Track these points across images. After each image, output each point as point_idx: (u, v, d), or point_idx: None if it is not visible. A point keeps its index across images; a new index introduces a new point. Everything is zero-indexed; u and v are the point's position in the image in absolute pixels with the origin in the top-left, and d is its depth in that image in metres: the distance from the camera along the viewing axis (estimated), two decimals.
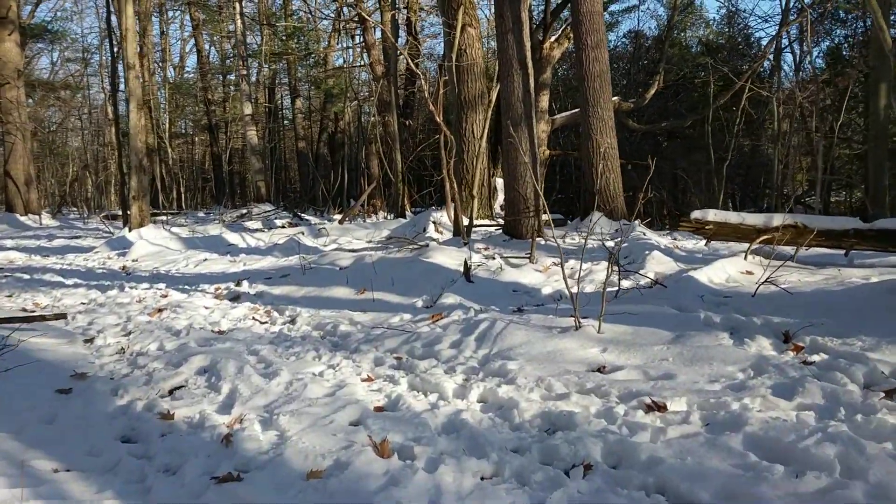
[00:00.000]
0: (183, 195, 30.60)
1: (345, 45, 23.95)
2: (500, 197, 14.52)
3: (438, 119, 7.67)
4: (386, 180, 16.32)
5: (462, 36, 10.35)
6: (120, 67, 14.86)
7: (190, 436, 3.00)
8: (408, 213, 13.19)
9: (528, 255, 6.35)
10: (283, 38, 27.31)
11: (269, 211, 18.32)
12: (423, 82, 7.81)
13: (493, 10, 12.69)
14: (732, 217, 6.72)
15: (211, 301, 6.15)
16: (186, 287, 7.02)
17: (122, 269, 9.04)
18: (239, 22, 20.21)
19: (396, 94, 11.53)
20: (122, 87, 14.65)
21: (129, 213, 12.89)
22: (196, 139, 38.32)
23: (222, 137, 33.76)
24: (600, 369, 3.60)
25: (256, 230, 13.68)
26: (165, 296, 6.51)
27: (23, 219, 18.34)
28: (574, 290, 4.22)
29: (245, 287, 6.62)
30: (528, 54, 7.24)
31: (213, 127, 32.09)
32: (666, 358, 3.63)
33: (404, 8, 22.91)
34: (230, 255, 9.30)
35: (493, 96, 8.24)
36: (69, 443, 2.93)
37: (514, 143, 7.18)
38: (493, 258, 6.51)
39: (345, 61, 28.18)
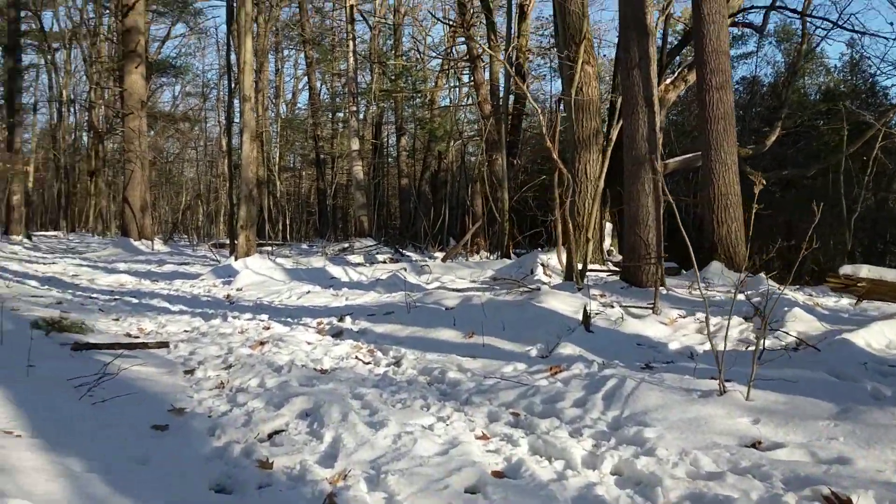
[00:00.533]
0: (288, 227, 31.30)
1: (452, 84, 24.01)
2: (608, 241, 13.97)
3: (555, 156, 7.30)
4: (488, 219, 16.05)
5: (580, 73, 10.00)
6: (236, 100, 15.28)
7: (290, 490, 2.69)
8: (512, 254, 12.83)
9: (651, 306, 5.84)
10: (392, 77, 27.78)
11: (370, 246, 18.34)
12: (541, 117, 7.43)
13: (606, 47, 12.27)
14: (890, 275, 6.01)
15: (313, 336, 5.93)
16: (289, 320, 6.85)
17: (226, 298, 9.03)
18: (351, 60, 20.59)
19: (505, 133, 11.26)
20: (237, 119, 15.04)
21: (236, 242, 13.07)
22: (303, 173, 39.37)
23: (328, 172, 34.50)
24: (755, 445, 3.09)
25: (358, 264, 13.61)
26: (268, 328, 6.34)
27: (136, 243, 19.04)
28: (719, 347, 3.72)
29: (348, 323, 6.38)
30: (655, 92, 6.81)
31: (320, 162, 32.85)
32: (835, 436, 3.08)
33: (513, 49, 22.88)
34: (333, 289, 9.15)
35: (614, 135, 7.82)
36: (160, 489, 2.67)
37: (637, 184, 6.72)
38: (612, 306, 6.03)
39: (451, 101, 28.36)
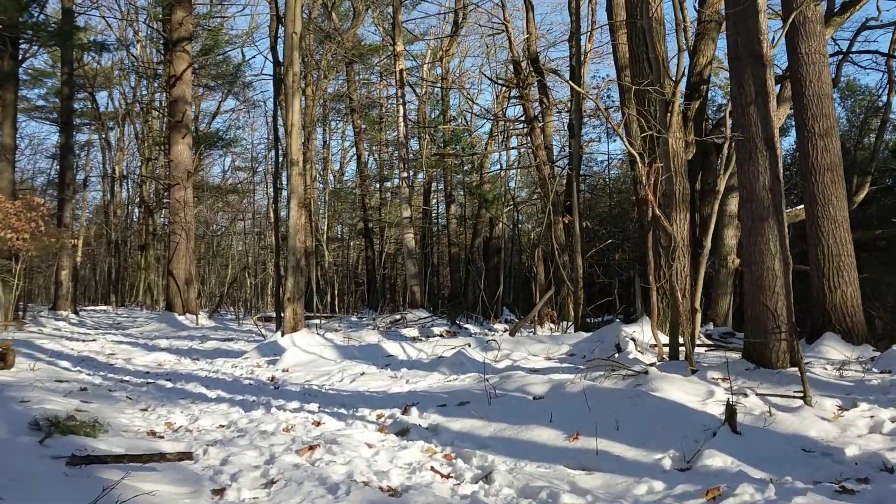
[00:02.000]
0: (336, 299, 30.48)
1: (505, 147, 23.22)
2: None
3: (657, 212, 6.19)
4: (551, 288, 14.87)
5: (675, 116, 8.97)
6: (284, 171, 14.61)
7: None
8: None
9: (799, 394, 4.60)
10: (442, 143, 27.18)
11: (424, 318, 17.26)
12: (640, 167, 6.33)
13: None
14: None
15: (374, 435, 4.80)
16: (343, 411, 5.75)
17: (270, 381, 7.98)
18: (402, 125, 19.97)
19: (577, 192, 10.21)
20: (285, 188, 14.34)
21: (282, 315, 12.12)
22: (351, 243, 38.82)
23: (376, 242, 33.82)
24: None
25: (415, 339, 12.50)
26: (318, 423, 5.24)
27: (180, 318, 18.27)
28: None
29: (415, 416, 5.25)
30: (777, 132, 5.70)
31: (368, 231, 32.20)
32: None
33: (566, 112, 22.09)
34: (390, 369, 8.04)
35: (722, 186, 6.70)
36: None
37: (759, 243, 5.56)
38: (745, 394, 4.80)
39: (501, 166, 27.57)
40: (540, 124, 17.01)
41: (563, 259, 15.15)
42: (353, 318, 21.66)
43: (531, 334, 10.75)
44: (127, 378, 8.58)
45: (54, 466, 3.43)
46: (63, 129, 28.25)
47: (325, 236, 30.29)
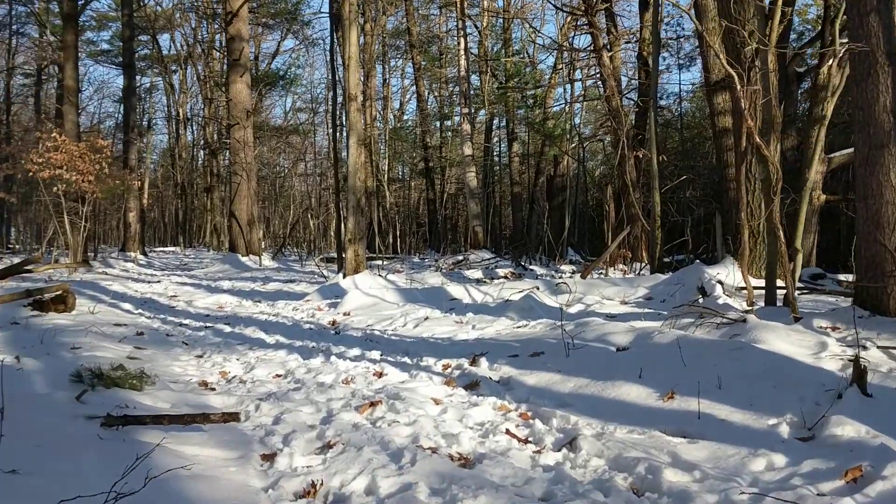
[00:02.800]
0: (398, 240, 30.25)
1: (571, 78, 22.17)
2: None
3: (757, 140, 5.47)
4: (622, 227, 14.15)
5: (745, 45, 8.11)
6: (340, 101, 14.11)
7: None
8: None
9: None
10: (504, 78, 26.21)
11: (488, 259, 16.79)
12: (739, 89, 5.53)
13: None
14: None
15: (440, 389, 4.37)
16: (406, 360, 5.34)
17: (331, 325, 7.65)
18: (463, 60, 19.18)
19: (656, 124, 9.44)
20: (343, 123, 13.86)
21: (343, 256, 11.81)
22: (412, 183, 38.39)
23: (437, 182, 33.29)
24: None
25: (479, 281, 12.06)
26: (380, 374, 4.83)
27: (244, 259, 18.23)
28: None
29: (484, 368, 4.79)
30: None
31: (429, 171, 31.66)
32: None
33: (635, 41, 20.88)
34: (455, 314, 7.60)
35: (829, 110, 5.90)
36: None
37: (878, 174, 4.83)
38: (865, 347, 4.17)
39: (565, 101, 26.45)
40: (609, 53, 16.03)
41: (636, 196, 14.38)
42: (416, 260, 21.36)
43: (603, 276, 10.16)
44: (186, 321, 8.39)
45: (87, 428, 3.09)
46: (125, 71, 28.32)
47: (385, 176, 29.90)
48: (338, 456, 3.11)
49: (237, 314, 9.03)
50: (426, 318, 7.32)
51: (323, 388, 4.45)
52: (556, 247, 14.83)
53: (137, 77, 43.45)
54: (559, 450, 3.21)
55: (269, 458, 3.13)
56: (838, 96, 7.33)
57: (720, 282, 6.96)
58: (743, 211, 6.55)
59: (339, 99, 15.82)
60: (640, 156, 10.73)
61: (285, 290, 12.00)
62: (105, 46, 40.90)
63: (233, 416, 3.43)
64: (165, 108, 46.20)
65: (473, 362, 4.92)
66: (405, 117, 39.44)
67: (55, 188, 16.52)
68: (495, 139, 32.92)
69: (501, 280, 12.37)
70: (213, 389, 4.57)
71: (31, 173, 17.02)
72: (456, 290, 8.90)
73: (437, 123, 34.64)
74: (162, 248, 38.81)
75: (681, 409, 3.55)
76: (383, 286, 10.75)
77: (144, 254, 27.95)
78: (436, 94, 35.57)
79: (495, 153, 33.62)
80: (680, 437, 3.22)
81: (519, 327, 6.54)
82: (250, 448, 3.24)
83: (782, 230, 5.32)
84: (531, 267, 13.94)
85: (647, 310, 7.06)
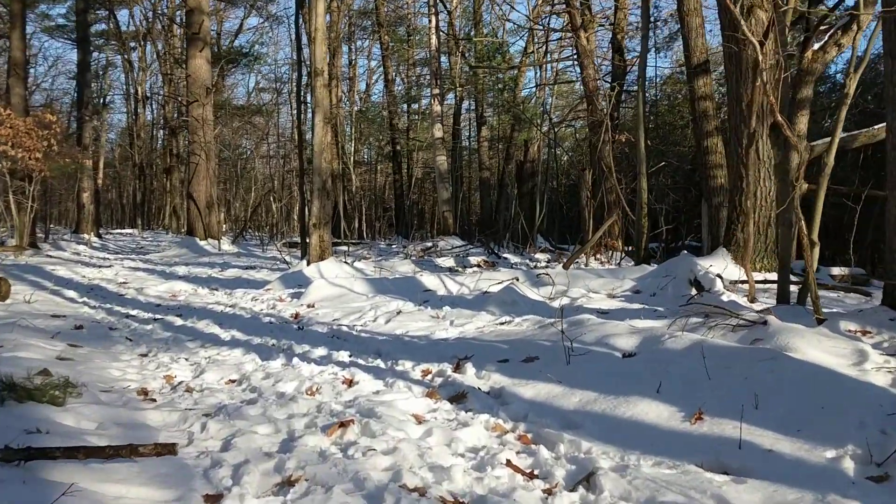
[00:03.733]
0: (364, 224, 29.51)
1: (544, 60, 21.54)
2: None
3: (779, 118, 4.90)
4: (598, 214, 13.65)
5: (749, 19, 7.61)
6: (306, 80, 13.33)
7: None
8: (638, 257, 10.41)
9: None
10: (474, 60, 25.50)
11: (458, 246, 16.17)
12: (762, 61, 4.94)
13: None
14: None
15: (421, 402, 3.74)
16: (379, 363, 4.70)
17: (294, 319, 6.97)
18: (433, 38, 18.45)
19: (644, 105, 8.88)
20: (308, 100, 13.09)
21: (308, 242, 11.09)
22: (378, 167, 37.57)
23: (404, 166, 32.55)
24: None
25: (451, 270, 11.44)
26: (351, 382, 4.19)
27: (202, 243, 17.38)
28: None
29: (470, 375, 4.18)
30: None
31: (397, 154, 30.91)
32: None
33: (610, 25, 20.35)
34: (430, 307, 6.97)
35: (852, 87, 5.36)
36: None
37: None
38: None
39: (537, 84, 25.82)
40: (586, 34, 15.46)
41: (611, 183, 13.87)
42: (382, 245, 20.67)
43: (583, 267, 9.61)
44: (134, 312, 7.64)
45: None
46: (79, 46, 26.96)
47: (351, 159, 29.07)
48: (301, 499, 2.47)
49: (191, 304, 8.30)
50: (399, 312, 6.68)
51: (283, 399, 3.79)
52: (529, 234, 14.27)
53: (95, 53, 41.91)
54: (574, 489, 2.60)
55: (215, 499, 2.48)
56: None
57: (719, 275, 6.44)
58: (749, 198, 6.02)
59: (305, 77, 15.10)
60: (624, 139, 10.18)
61: (245, 278, 11.26)
62: (61, 21, 39.24)
63: (168, 448, 2.76)
64: (124, 87, 44.67)
65: (458, 368, 4.30)
66: (372, 99, 38.55)
67: None
68: (464, 123, 32.27)
69: (475, 269, 11.78)
70: (154, 400, 3.89)
71: None
72: (429, 280, 8.26)
73: (405, 106, 33.89)
74: (119, 231, 37.50)
75: (714, 434, 2.97)
76: (350, 275, 10.07)
77: (99, 236, 26.80)
78: (403, 76, 34.75)
79: (464, 137, 32.99)
80: (722, 475, 2.64)
81: (503, 324, 5.93)
82: (191, 486, 2.59)
83: (809, 222, 4.81)
84: (504, 255, 13.37)
85: (639, 305, 6.51)
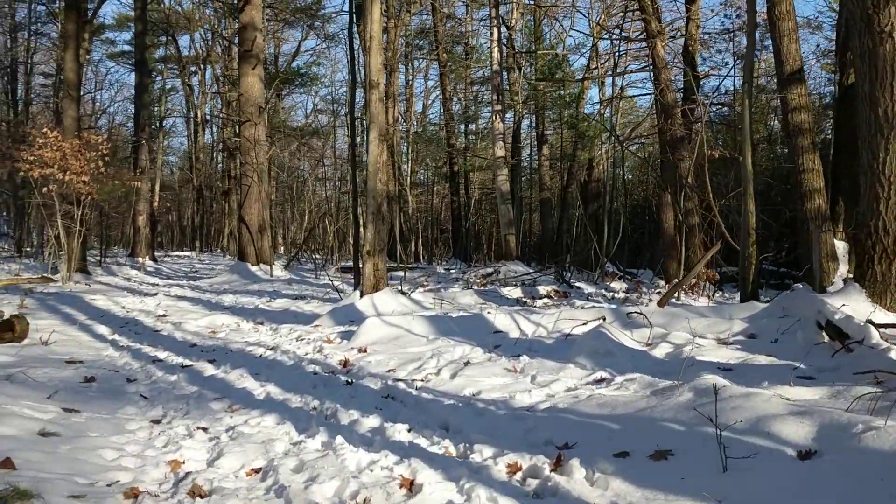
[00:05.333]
0: (421, 247, 28.55)
1: (613, 71, 20.31)
2: (842, 268, 10.01)
3: None
4: (679, 240, 12.31)
5: (888, 8, 6.33)
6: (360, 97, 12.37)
7: None
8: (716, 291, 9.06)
9: None
10: (533, 78, 24.41)
11: (521, 273, 14.97)
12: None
13: None
14: None
15: None
16: (448, 446, 3.56)
17: (342, 367, 5.90)
18: (496, 52, 17.40)
19: (751, 113, 7.61)
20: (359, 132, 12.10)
21: (361, 270, 10.07)
22: (435, 188, 36.66)
23: (461, 187, 31.54)
24: None
25: (519, 302, 10.27)
26: (410, 484, 3.05)
27: (253, 269, 16.58)
28: None
29: (578, 479, 2.99)
30: None
31: (454, 175, 29.92)
32: None
33: (681, 36, 19.03)
34: (504, 355, 5.80)
35: None
36: None
37: None
38: None
39: (601, 101, 24.49)
40: (663, 43, 14.20)
41: (696, 204, 12.56)
42: (440, 270, 19.61)
43: (677, 302, 8.31)
44: (163, 355, 6.68)
45: None
46: (137, 68, 26.83)
47: (408, 180, 28.17)
48: None
49: (229, 344, 7.32)
50: (466, 363, 5.53)
51: None
52: (602, 259, 12.99)
53: (157, 78, 42.34)
54: None
55: None
56: None
57: (870, 321, 5.12)
58: (892, 222, 4.74)
59: (360, 92, 14.27)
60: (717, 155, 8.88)
61: (293, 310, 10.28)
62: (126, 48, 39.69)
63: None
64: (184, 110, 45.00)
65: (558, 464, 3.12)
66: (428, 119, 37.76)
67: (45, 189, 14.97)
68: (524, 142, 31.09)
69: (545, 300, 10.59)
70: (156, 494, 2.83)
71: (21, 172, 15.52)
72: (499, 319, 7.09)
73: (462, 126, 32.97)
74: (178, 253, 37.43)
75: None
76: (407, 309, 8.99)
77: (154, 259, 26.47)
78: (460, 95, 33.81)
79: (524, 157, 31.82)
80: None
81: (600, 383, 4.74)
82: None
83: None
84: (576, 284, 12.13)
85: (766, 357, 5.23)
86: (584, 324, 6.65)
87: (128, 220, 36.28)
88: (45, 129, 14.90)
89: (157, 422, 4.32)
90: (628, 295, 11.12)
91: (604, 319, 6.87)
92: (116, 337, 7.90)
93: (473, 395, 4.69)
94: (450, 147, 29.29)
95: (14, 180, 26.02)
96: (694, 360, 5.20)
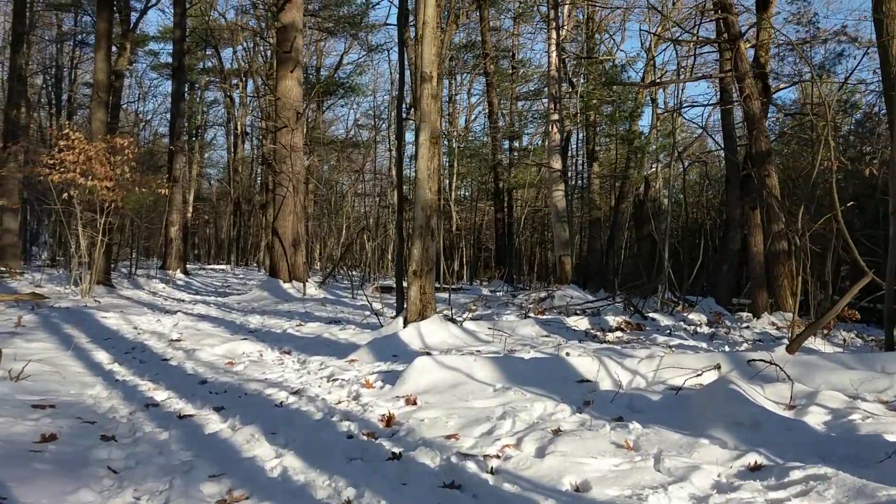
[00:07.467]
0: (465, 267, 27.14)
1: (685, 77, 18.74)
2: None
3: None
4: (765, 266, 10.69)
5: None
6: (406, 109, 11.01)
7: None
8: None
9: None
10: (585, 92, 22.93)
11: (579, 299, 13.43)
12: None
13: None
14: None
15: None
16: None
17: (384, 425, 4.48)
18: (553, 56, 15.98)
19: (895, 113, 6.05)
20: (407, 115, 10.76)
21: (406, 292, 8.67)
22: (477, 206, 35.22)
23: (505, 205, 30.09)
24: None
25: (588, 335, 8.75)
26: None
27: (285, 286, 15.29)
28: None
29: None
30: None
31: (499, 191, 28.52)
32: None
33: (750, 46, 17.44)
34: (602, 417, 4.32)
35: None
36: None
37: None
38: None
39: (656, 117, 22.85)
40: (748, 45, 12.68)
41: (777, 226, 10.94)
42: (486, 292, 18.15)
43: (804, 349, 6.70)
44: (162, 397, 5.32)
45: None
46: (174, 76, 25.97)
47: (452, 196, 26.80)
48: None
49: (246, 382, 5.93)
50: (557, 432, 4.05)
51: None
52: (680, 286, 11.40)
53: (198, 90, 41.84)
54: None
55: None
56: None
57: None
58: None
59: (405, 65, 12.90)
60: (837, 166, 7.31)
61: (325, 338, 8.89)
62: (169, 60, 39.31)
63: None
64: (225, 122, 44.46)
65: None
66: (472, 134, 36.42)
67: (64, 195, 13.88)
68: (573, 159, 29.57)
69: (617, 333, 9.06)
70: None
71: (41, 177, 14.46)
72: (582, 362, 5.60)
73: (506, 143, 31.55)
74: (213, 266, 36.53)
75: None
76: (460, 341, 7.56)
77: (186, 272, 25.44)
78: (504, 112, 32.41)
79: (572, 174, 30.31)
80: None
81: (757, 474, 3.24)
82: None
83: None
84: (649, 314, 10.57)
85: None
86: (698, 374, 5.14)
87: (159, 230, 35.56)
88: (66, 131, 13.82)
89: None
90: (714, 329, 9.54)
91: (718, 368, 5.35)
92: (114, 367, 6.59)
93: (578, 489, 3.22)
94: (496, 162, 27.93)
95: (49, 187, 25.34)
96: (880, 438, 3.67)
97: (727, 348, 7.68)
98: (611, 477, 3.34)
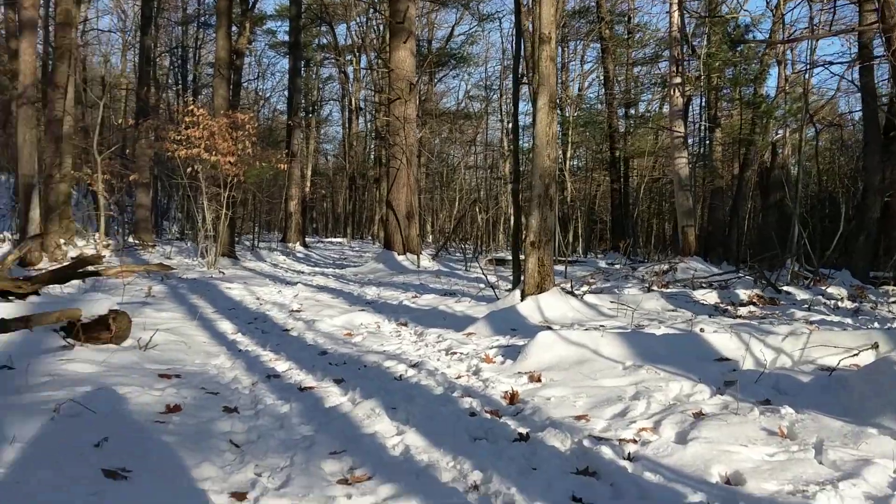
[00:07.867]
0: (581, 238, 26.53)
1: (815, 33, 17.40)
2: None
3: None
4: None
5: None
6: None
7: None
8: None
9: None
10: (707, 56, 21.64)
11: (705, 272, 12.75)
12: None
13: None
14: None
15: None
16: None
17: (508, 402, 4.26)
18: (675, 14, 15.13)
19: None
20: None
21: (523, 264, 8.39)
22: (592, 176, 34.31)
23: (622, 175, 29.14)
24: None
25: (717, 308, 8.21)
26: None
27: (400, 258, 15.34)
28: None
29: None
30: None
31: (615, 160, 27.64)
32: None
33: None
34: (748, 400, 3.92)
35: None
36: None
37: None
38: None
39: (783, 70, 21.31)
40: None
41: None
42: (602, 264, 17.61)
43: None
44: (283, 368, 5.32)
45: None
46: (291, 52, 26.52)
47: (567, 165, 26.17)
48: None
49: (365, 354, 5.86)
50: (699, 415, 3.70)
51: None
52: (817, 258, 10.56)
53: (314, 67, 42.67)
54: None
55: None
56: None
57: None
58: None
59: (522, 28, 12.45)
60: None
61: (441, 309, 8.76)
62: (286, 38, 40.31)
63: None
64: (340, 98, 45.20)
65: None
66: (585, 103, 35.46)
67: (189, 169, 14.40)
68: (696, 125, 28.26)
69: (749, 307, 8.46)
70: None
71: (169, 153, 15.05)
72: (718, 339, 5.18)
73: (622, 110, 30.45)
74: (330, 240, 37.37)
75: None
76: (582, 315, 7.24)
77: (305, 245, 26.14)
78: (619, 77, 31.26)
79: (692, 142, 28.97)
80: None
81: None
82: None
83: None
84: (785, 288, 9.85)
85: None
86: (854, 354, 4.62)
87: (281, 205, 36.65)
88: (191, 107, 14.29)
89: (241, 497, 2.85)
90: (858, 304, 8.76)
91: (876, 347, 4.80)
92: (238, 337, 6.69)
93: (729, 481, 2.89)
94: (612, 130, 27.04)
95: (177, 163, 26.55)
96: None
97: (877, 325, 7.00)
98: (766, 469, 2.98)
